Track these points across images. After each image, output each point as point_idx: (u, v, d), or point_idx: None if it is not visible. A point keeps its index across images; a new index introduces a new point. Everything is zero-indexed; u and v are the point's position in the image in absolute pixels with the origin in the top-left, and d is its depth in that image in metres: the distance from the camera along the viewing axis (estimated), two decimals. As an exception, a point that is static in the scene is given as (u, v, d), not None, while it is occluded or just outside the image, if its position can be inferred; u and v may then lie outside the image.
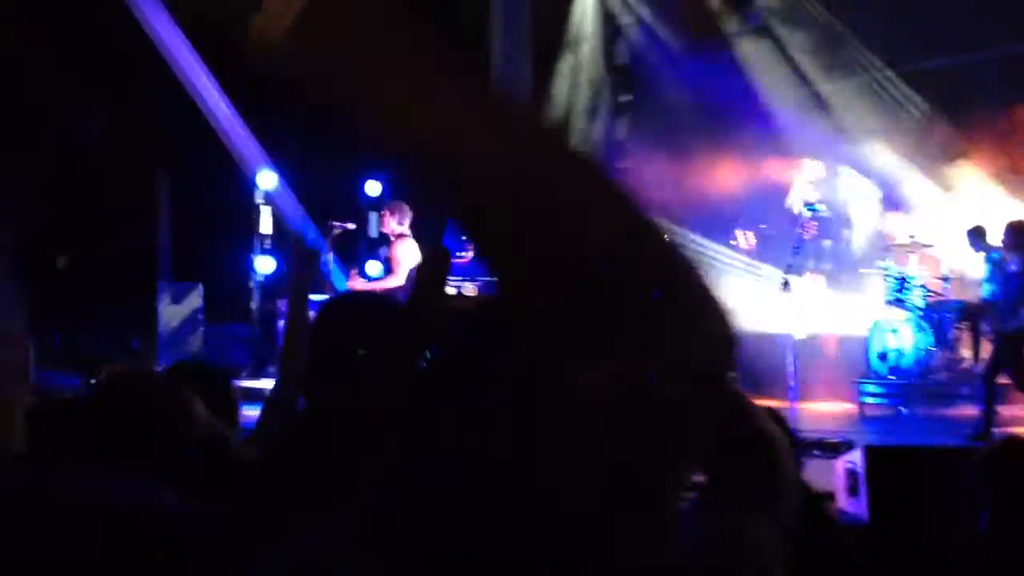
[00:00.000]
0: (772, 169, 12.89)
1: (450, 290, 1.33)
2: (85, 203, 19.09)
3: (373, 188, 12.59)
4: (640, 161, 13.25)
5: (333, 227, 10.89)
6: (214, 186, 17.25)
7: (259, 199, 14.13)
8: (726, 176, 12.98)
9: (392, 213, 10.01)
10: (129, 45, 16.64)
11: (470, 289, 1.71)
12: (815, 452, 6.97)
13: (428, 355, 1.61)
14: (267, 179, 14.73)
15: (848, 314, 11.49)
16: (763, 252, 12.43)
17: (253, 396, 12.19)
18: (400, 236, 9.90)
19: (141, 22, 15.36)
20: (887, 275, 10.92)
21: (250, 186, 14.77)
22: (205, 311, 14.28)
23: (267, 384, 12.40)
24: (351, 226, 10.50)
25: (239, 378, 12.94)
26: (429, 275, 1.42)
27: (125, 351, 14.10)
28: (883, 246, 12.01)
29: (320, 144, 15.55)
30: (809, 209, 11.38)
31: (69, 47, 18.00)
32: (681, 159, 12.68)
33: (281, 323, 12.42)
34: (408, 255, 9.79)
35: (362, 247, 11.34)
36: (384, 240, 10.61)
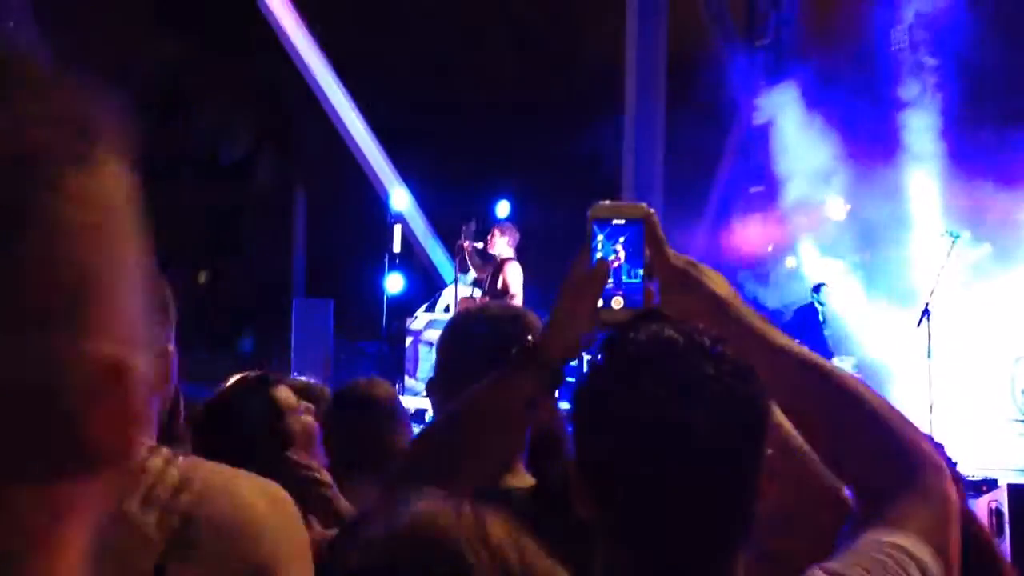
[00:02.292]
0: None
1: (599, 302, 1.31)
2: (225, 220, 19.75)
3: (503, 208, 12.64)
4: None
5: (463, 247, 10.96)
6: (348, 204, 17.64)
7: (392, 218, 14.37)
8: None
9: (503, 233, 9.95)
10: (272, 68, 17.18)
11: (618, 301, 1.65)
12: (955, 489, 6.64)
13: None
14: (400, 199, 14.98)
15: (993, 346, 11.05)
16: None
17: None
18: (507, 259, 9.81)
19: (283, 43, 15.80)
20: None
21: (383, 205, 15.03)
22: (335, 327, 14.55)
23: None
24: (480, 245, 10.53)
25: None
26: (578, 289, 1.39)
27: (241, 359, 14.48)
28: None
29: (452, 164, 15.79)
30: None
31: (216, 67, 18.68)
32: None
33: (408, 340, 12.55)
34: (517, 277, 9.70)
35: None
36: (484, 257, 10.58)
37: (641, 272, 1.38)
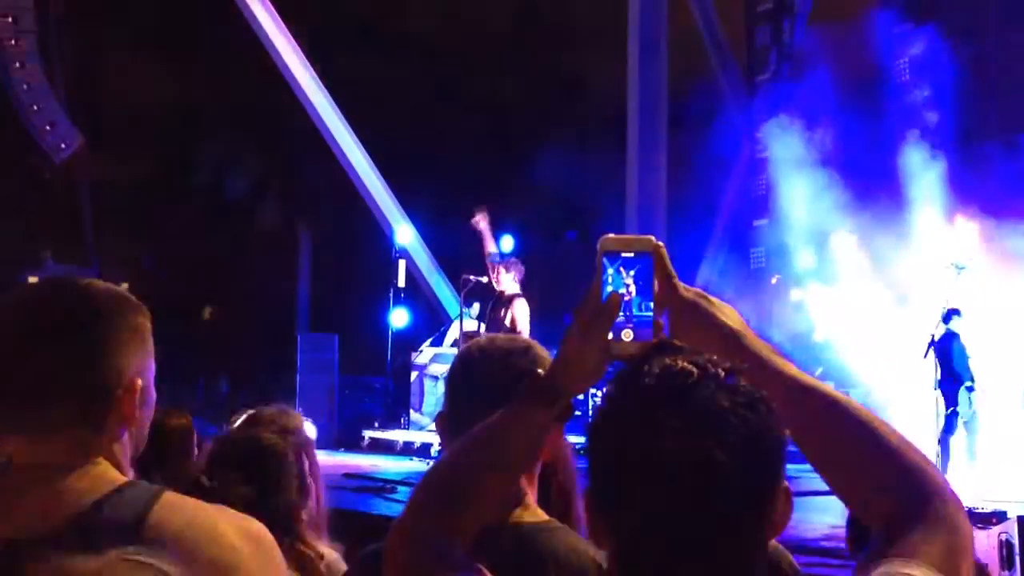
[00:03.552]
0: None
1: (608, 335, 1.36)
2: (230, 257, 19.79)
3: (507, 243, 12.62)
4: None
5: (467, 280, 10.95)
6: (353, 240, 17.68)
7: (396, 254, 14.39)
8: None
9: (508, 270, 9.94)
10: (277, 108, 17.27)
11: (628, 334, 1.65)
12: (964, 522, 6.56)
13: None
14: (404, 234, 15.01)
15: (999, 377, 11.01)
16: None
17: (384, 447, 12.37)
18: (514, 295, 9.79)
19: (288, 81, 15.88)
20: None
21: (387, 240, 15.06)
22: (340, 361, 14.54)
23: (397, 435, 12.53)
24: (484, 279, 10.52)
25: (371, 428, 13.13)
26: (589, 322, 1.36)
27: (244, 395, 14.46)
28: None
29: (456, 200, 15.83)
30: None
31: (221, 105, 18.79)
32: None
33: (414, 374, 12.51)
34: (525, 313, 9.68)
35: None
36: (485, 292, 10.58)
37: (651, 305, 1.36)
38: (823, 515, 6.46)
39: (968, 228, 12.58)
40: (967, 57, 12.60)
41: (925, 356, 9.69)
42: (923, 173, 12.54)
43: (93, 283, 1.55)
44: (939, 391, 9.60)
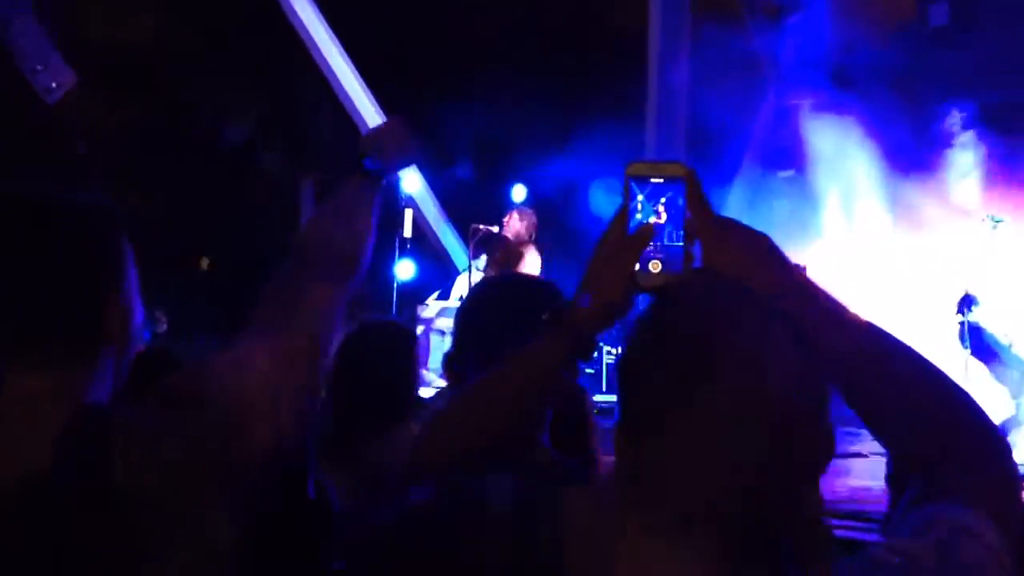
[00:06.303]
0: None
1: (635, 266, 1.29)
2: (229, 207, 19.52)
3: (519, 193, 12.27)
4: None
5: (477, 230, 10.63)
6: (357, 189, 17.34)
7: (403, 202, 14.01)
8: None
9: (521, 218, 9.87)
10: (278, 48, 16.86)
11: (656, 265, 1.43)
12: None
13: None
14: (411, 182, 14.55)
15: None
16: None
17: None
18: (525, 244, 9.71)
19: (294, 25, 15.52)
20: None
21: (394, 188, 14.65)
22: (345, 315, 14.19)
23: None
24: (495, 229, 10.25)
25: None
26: (616, 252, 1.33)
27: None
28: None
29: (465, 147, 15.40)
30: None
31: (221, 49, 18.38)
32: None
33: (420, 328, 12.29)
34: (536, 264, 9.57)
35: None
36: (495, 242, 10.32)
37: (682, 234, 1.32)
38: (845, 478, 6.32)
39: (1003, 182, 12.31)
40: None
41: (960, 312, 9.43)
42: (961, 130, 12.26)
43: (54, 200, 1.43)
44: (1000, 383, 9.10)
